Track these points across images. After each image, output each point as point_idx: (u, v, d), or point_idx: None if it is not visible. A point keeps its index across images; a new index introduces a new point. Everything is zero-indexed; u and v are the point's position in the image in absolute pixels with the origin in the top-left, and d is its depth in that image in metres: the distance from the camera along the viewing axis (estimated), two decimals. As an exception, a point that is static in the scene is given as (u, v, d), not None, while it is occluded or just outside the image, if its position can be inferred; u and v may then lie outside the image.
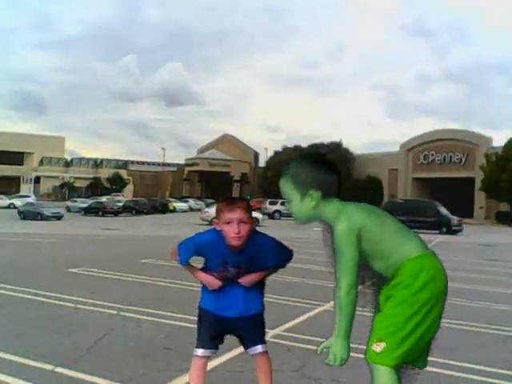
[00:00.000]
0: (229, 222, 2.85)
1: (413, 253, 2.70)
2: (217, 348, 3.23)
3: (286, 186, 2.82)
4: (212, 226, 3.10)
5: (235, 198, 3.01)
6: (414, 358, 2.75)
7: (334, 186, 2.78)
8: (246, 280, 2.98)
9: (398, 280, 2.70)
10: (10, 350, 5.73)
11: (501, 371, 5.71)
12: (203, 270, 3.06)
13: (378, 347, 2.65)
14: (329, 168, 2.80)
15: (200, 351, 3.13)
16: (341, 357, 2.81)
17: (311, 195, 2.73)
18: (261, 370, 3.11)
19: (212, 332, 3.12)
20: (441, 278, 2.81)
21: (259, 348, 3.08)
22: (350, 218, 2.65)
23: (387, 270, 2.76)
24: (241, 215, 2.86)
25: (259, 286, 3.10)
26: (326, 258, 2.88)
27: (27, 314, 7.73)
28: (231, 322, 3.06)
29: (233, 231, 2.84)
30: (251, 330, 3.08)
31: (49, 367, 5.27)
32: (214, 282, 3.00)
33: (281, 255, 3.00)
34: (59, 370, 5.22)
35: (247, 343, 3.13)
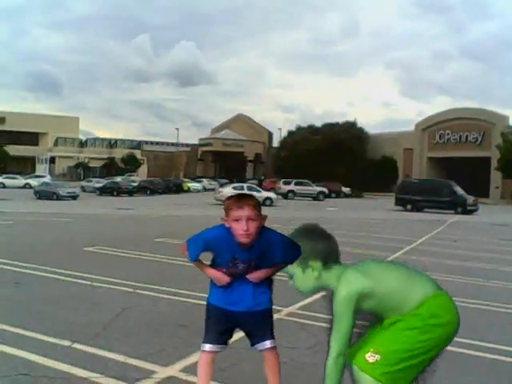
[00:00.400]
0: (237, 220, 2.83)
1: (428, 293, 2.70)
2: (226, 343, 3.21)
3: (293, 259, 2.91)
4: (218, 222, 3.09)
5: (244, 196, 2.97)
6: None
7: (332, 252, 2.82)
8: (255, 276, 2.98)
9: (416, 312, 2.70)
10: (27, 327, 5.82)
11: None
12: (212, 265, 3.06)
13: (372, 358, 2.65)
14: (323, 236, 2.83)
15: (207, 346, 3.14)
16: None
17: (312, 266, 2.77)
18: (269, 366, 3.11)
19: (220, 327, 3.12)
20: (454, 322, 2.78)
21: (267, 343, 3.08)
22: (348, 284, 2.67)
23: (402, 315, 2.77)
24: (249, 212, 2.84)
25: (267, 282, 3.10)
26: (327, 322, 2.96)
27: (44, 291, 7.83)
28: (239, 317, 3.06)
29: (241, 228, 2.83)
30: (259, 325, 3.08)
31: (66, 343, 5.35)
32: (222, 277, 2.99)
33: (289, 251, 2.98)
34: (76, 346, 5.30)
35: (255, 338, 3.13)
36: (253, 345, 3.14)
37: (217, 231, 2.97)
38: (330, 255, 2.78)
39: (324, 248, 2.77)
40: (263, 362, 3.12)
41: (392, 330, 2.70)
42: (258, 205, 2.92)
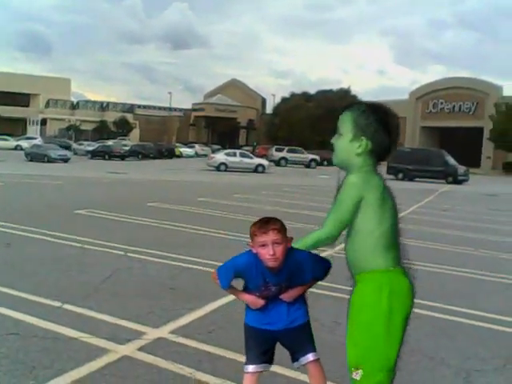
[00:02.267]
0: (263, 245, 2.83)
1: (380, 266, 2.60)
2: (269, 362, 3.15)
3: (346, 120, 2.69)
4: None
5: (267, 220, 2.92)
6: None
7: (385, 150, 2.67)
8: (288, 296, 2.99)
9: (360, 294, 2.65)
10: (18, 287, 5.85)
11: (505, 318, 5.82)
12: (244, 290, 3.06)
13: (357, 375, 2.63)
14: (393, 133, 2.67)
15: (251, 367, 3.10)
16: None
17: (361, 141, 2.62)
18: (315, 378, 3.08)
19: (260, 347, 3.11)
20: (405, 293, 2.65)
21: (310, 356, 3.06)
22: (366, 180, 2.58)
23: (353, 263, 2.71)
24: (274, 237, 2.83)
25: (302, 297, 3.11)
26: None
27: (35, 252, 7.86)
28: (278, 335, 3.07)
29: (268, 253, 2.82)
30: (299, 340, 3.08)
31: (57, 304, 5.40)
32: (256, 301, 2.99)
33: (319, 267, 2.99)
34: (67, 306, 5.35)
35: (297, 353, 3.11)
36: (296, 360, 3.11)
37: (245, 258, 2.95)
38: (381, 150, 2.64)
39: (384, 141, 2.61)
40: (308, 375, 3.13)
41: (354, 337, 2.66)
42: (282, 228, 2.90)
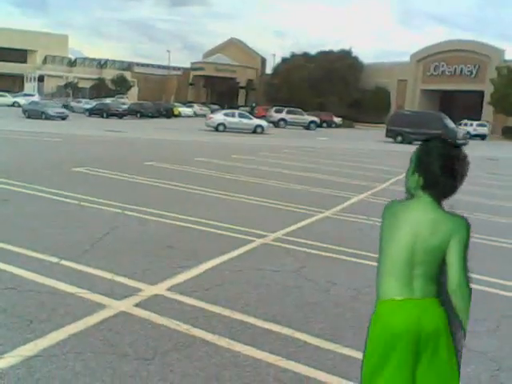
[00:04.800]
0: None
1: (387, 295, 2.37)
2: None
3: (414, 153, 2.56)
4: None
5: None
6: None
7: (440, 186, 2.45)
8: None
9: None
10: (16, 243, 5.88)
11: (498, 281, 5.89)
12: None
13: None
14: (448, 171, 2.43)
15: None
16: None
17: (415, 176, 2.46)
18: None
19: None
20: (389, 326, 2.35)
21: None
22: (390, 204, 2.48)
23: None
24: None
25: None
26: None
27: (33, 208, 7.87)
28: None
29: None
30: None
31: (54, 259, 5.43)
32: None
33: None
34: (64, 262, 5.38)
35: None
36: None
37: None
38: (435, 187, 2.45)
39: (439, 180, 2.42)
40: None
41: None
42: None
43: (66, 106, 48.43)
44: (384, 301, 2.36)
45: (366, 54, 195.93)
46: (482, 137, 48.95)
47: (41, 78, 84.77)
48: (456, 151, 2.50)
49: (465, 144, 36.32)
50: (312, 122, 50.18)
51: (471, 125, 48.25)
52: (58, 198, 8.69)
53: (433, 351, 2.29)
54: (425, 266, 2.31)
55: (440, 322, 2.28)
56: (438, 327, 2.27)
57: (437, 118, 37.50)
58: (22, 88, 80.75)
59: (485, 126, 52.93)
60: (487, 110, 61.90)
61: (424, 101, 70.68)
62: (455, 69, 68.88)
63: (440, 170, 2.43)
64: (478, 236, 8.10)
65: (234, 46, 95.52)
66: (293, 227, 7.77)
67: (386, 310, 2.36)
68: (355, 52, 78.59)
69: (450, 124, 37.24)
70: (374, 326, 2.37)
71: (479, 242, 7.87)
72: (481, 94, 63.25)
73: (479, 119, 58.95)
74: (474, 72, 67.25)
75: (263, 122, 38.84)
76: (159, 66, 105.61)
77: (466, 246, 2.29)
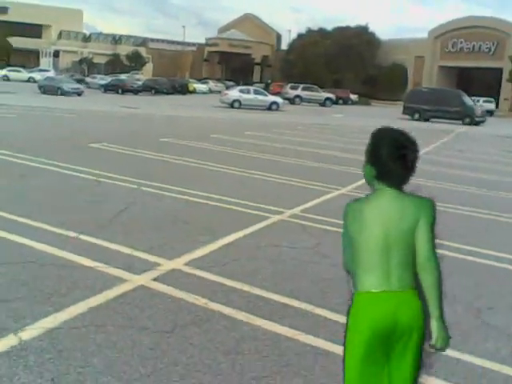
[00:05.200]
0: None
1: (364, 287, 2.34)
2: None
3: (367, 144, 2.59)
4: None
5: None
6: None
7: (393, 175, 2.39)
8: None
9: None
10: (33, 217, 5.94)
11: (505, 255, 5.87)
12: None
13: None
14: (398, 159, 2.36)
15: None
16: None
17: (368, 167, 2.50)
18: None
19: None
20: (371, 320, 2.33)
21: None
22: (351, 202, 2.44)
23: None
24: None
25: None
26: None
27: (50, 184, 7.93)
28: None
29: None
30: None
31: (72, 234, 5.48)
32: None
33: None
34: (82, 237, 5.43)
35: None
36: None
37: None
38: (387, 175, 2.42)
39: (388, 168, 2.38)
40: None
41: None
42: None
43: (80, 81, 48.43)
44: (361, 293, 2.35)
45: (382, 30, 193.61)
46: (490, 112, 48.10)
47: (56, 54, 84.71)
48: (404, 138, 2.46)
49: (483, 121, 35.95)
50: (328, 98, 49.79)
51: (478, 101, 47.42)
52: (75, 173, 8.75)
53: (404, 346, 2.30)
54: (400, 253, 2.31)
55: (415, 318, 2.28)
56: (412, 323, 2.28)
57: (455, 95, 37.02)
58: (37, 63, 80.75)
59: (491, 101, 52.21)
60: (506, 88, 61.06)
61: (441, 78, 69.76)
62: (473, 45, 67.80)
63: (389, 159, 2.39)
64: (486, 211, 8.07)
65: (249, 21, 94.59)
66: (309, 204, 7.77)
67: (364, 302, 2.35)
68: (372, 28, 77.55)
69: (468, 101, 36.76)
70: (352, 319, 2.37)
71: (487, 217, 7.83)
72: (499, 71, 62.30)
73: (497, 97, 58.22)
74: (493, 49, 66.16)
75: (278, 99, 38.59)
76: (174, 42, 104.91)
77: (432, 224, 2.30)
